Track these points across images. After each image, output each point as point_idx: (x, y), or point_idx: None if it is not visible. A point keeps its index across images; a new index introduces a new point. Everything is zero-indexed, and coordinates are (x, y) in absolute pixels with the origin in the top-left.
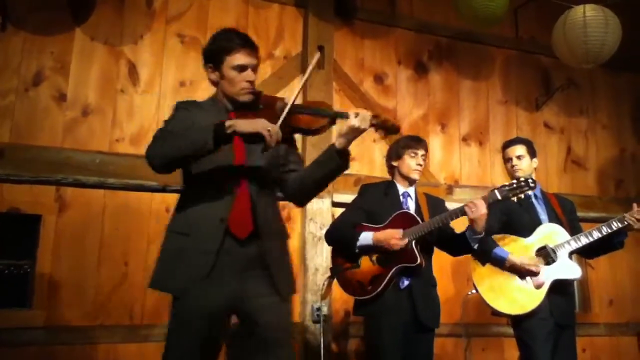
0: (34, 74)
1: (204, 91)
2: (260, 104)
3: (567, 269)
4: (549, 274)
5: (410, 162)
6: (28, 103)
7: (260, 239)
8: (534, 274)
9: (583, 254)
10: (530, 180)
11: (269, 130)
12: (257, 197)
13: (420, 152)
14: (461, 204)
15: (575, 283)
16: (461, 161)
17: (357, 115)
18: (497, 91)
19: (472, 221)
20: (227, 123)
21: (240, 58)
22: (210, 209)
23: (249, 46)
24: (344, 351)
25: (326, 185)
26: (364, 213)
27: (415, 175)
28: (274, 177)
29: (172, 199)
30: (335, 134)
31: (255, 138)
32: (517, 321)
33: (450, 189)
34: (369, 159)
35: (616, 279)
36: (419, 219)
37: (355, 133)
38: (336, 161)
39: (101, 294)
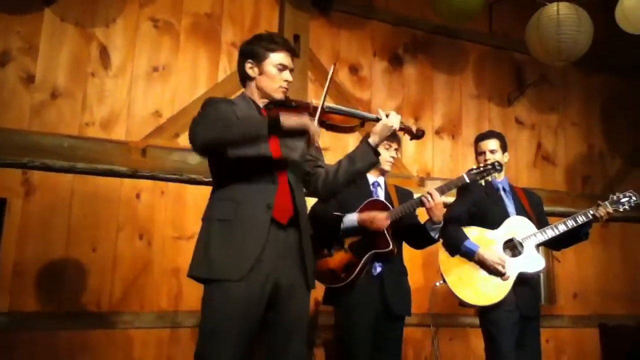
0: (0, 54)
1: (177, 76)
2: (293, 103)
3: (534, 261)
4: (515, 266)
5: (384, 154)
6: None
7: (300, 227)
8: (500, 274)
9: (550, 246)
10: (496, 163)
11: (313, 127)
12: (294, 186)
13: (394, 145)
14: None
15: (541, 276)
16: (433, 154)
17: (388, 115)
18: (471, 86)
19: (428, 211)
20: (281, 117)
21: (283, 58)
22: (256, 196)
23: (292, 51)
24: (313, 341)
25: (357, 179)
26: (336, 202)
27: (387, 167)
28: (304, 171)
29: (143, 185)
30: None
31: (300, 133)
32: (483, 312)
33: (422, 182)
34: (343, 149)
35: (581, 273)
36: (389, 205)
37: (387, 131)
38: (371, 157)
39: (68, 281)
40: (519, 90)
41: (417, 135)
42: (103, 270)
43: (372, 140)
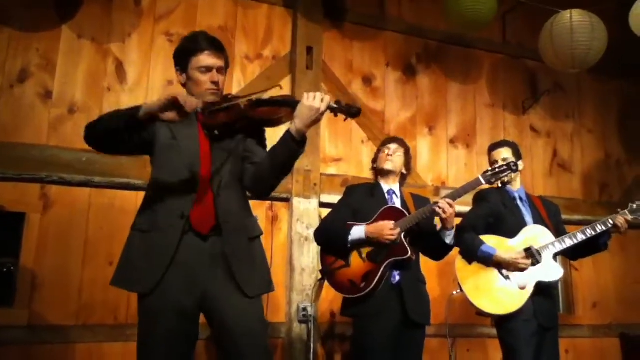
0: (19, 71)
1: None
2: (224, 105)
3: (552, 270)
4: (533, 276)
5: (382, 156)
6: (13, 100)
7: (223, 235)
8: (522, 269)
9: (568, 256)
10: (512, 163)
11: (181, 96)
12: (219, 191)
13: (392, 146)
14: None
15: (559, 285)
16: (448, 163)
17: (310, 97)
18: (485, 94)
19: (444, 221)
20: (143, 105)
21: (204, 59)
22: (171, 205)
23: (215, 48)
24: (330, 351)
25: (285, 172)
26: (351, 212)
27: (386, 165)
28: (238, 169)
29: None
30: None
31: (170, 107)
32: (500, 322)
33: (437, 191)
34: (356, 160)
35: (600, 282)
36: (405, 212)
37: (309, 114)
38: (290, 145)
39: (85, 293)
40: (534, 98)
41: (352, 112)
42: None
43: (293, 126)
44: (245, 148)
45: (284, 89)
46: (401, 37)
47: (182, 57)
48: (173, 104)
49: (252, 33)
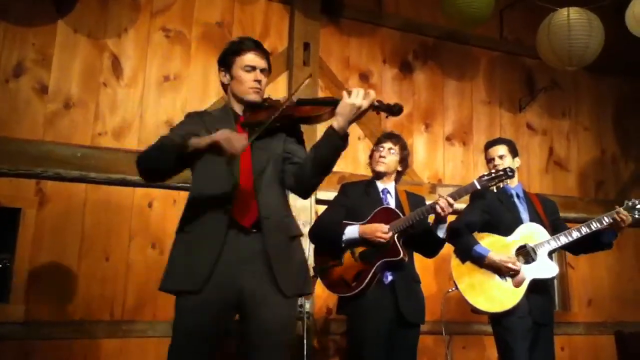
0: (14, 66)
1: (188, 86)
2: (266, 103)
3: (547, 268)
4: (528, 273)
5: (375, 155)
6: (8, 95)
7: (263, 231)
8: (513, 271)
9: (570, 250)
10: (508, 169)
11: (228, 138)
12: (260, 189)
13: (387, 145)
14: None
15: (555, 282)
16: (445, 161)
17: (353, 94)
18: (481, 92)
19: (438, 214)
20: (189, 142)
21: (249, 59)
22: (214, 202)
23: (260, 50)
24: (326, 348)
25: (327, 169)
26: (346, 211)
27: (378, 167)
28: (278, 169)
29: (155, 193)
30: None
31: (217, 149)
32: (496, 319)
33: (433, 188)
34: (352, 157)
35: (595, 279)
36: (400, 213)
37: (352, 110)
38: (335, 142)
39: (81, 289)
40: (530, 96)
41: (394, 111)
42: (116, 279)
43: (336, 122)
44: (285, 148)
45: (280, 85)
46: (398, 33)
47: (228, 57)
48: (218, 149)
49: (248, 29)
